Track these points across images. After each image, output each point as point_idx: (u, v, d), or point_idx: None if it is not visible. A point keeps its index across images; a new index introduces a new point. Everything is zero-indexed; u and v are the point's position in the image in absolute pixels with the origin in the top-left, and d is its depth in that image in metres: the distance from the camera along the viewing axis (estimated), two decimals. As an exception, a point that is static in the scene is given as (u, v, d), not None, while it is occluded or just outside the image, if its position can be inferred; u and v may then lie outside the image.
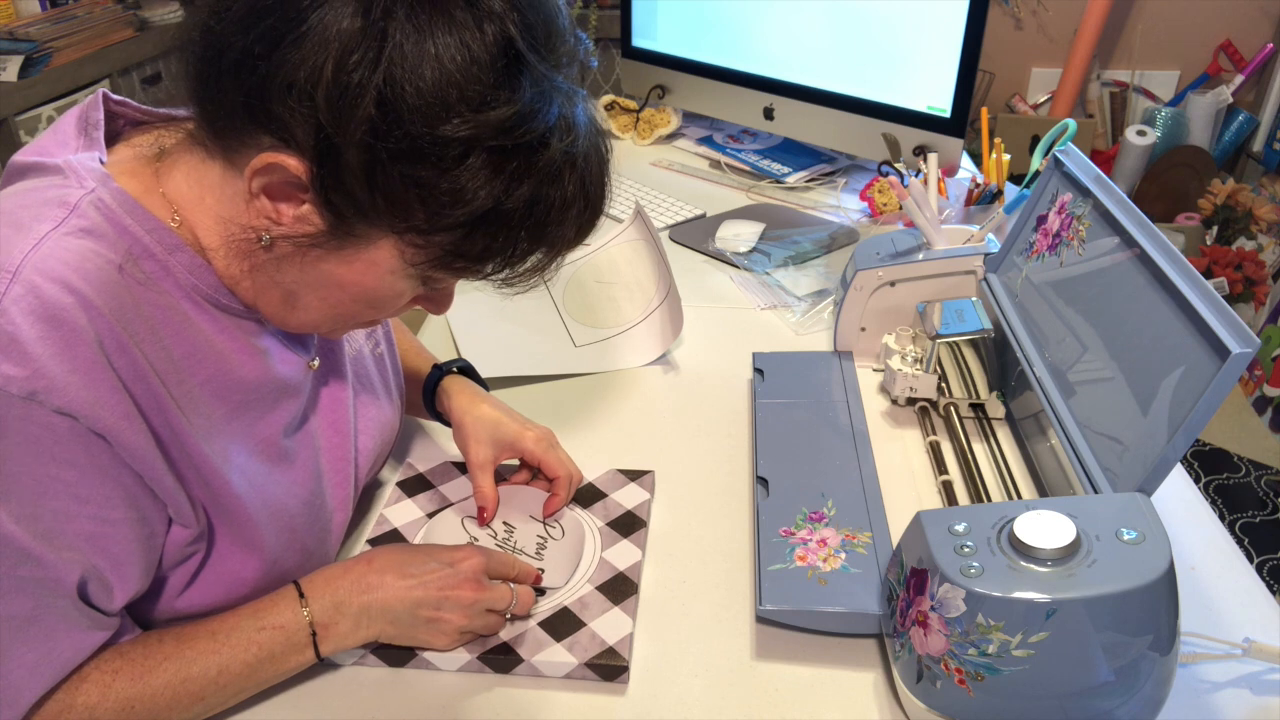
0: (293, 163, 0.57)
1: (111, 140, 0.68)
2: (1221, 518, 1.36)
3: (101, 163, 0.64)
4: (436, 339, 1.19)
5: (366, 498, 0.91)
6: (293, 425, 0.74)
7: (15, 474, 0.56)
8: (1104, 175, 0.88)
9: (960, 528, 0.66)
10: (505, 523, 0.88)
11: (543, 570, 0.81)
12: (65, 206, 0.60)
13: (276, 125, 0.57)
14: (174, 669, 0.65)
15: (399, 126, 0.55)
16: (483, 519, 0.87)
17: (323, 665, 0.73)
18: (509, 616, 0.76)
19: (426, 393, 0.94)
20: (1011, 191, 1.21)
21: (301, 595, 0.70)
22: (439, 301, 0.72)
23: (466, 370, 0.96)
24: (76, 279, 0.58)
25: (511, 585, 0.76)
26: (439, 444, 1.00)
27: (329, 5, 0.54)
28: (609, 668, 0.73)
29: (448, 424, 0.93)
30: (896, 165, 1.42)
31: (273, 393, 0.71)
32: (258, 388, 0.70)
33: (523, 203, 0.59)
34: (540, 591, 0.79)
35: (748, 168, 1.70)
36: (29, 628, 0.59)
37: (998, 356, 1.02)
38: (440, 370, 0.94)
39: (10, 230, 0.59)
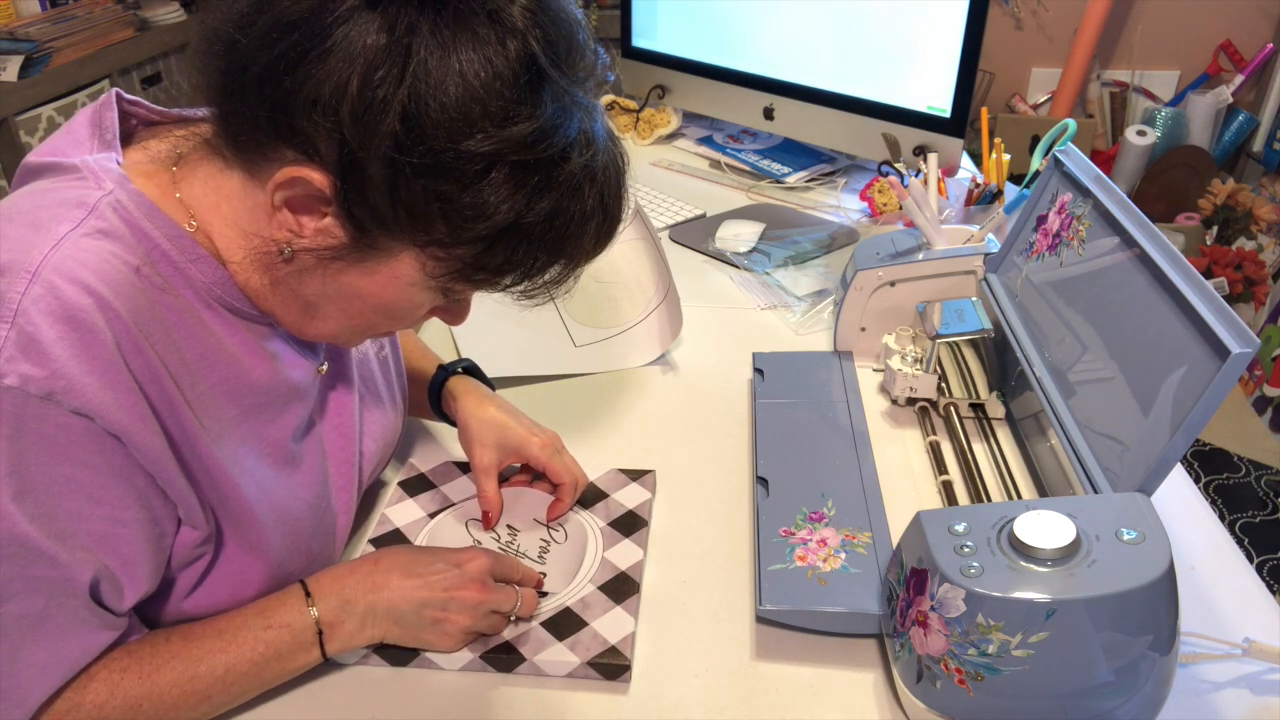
0: (316, 177, 0.58)
1: (124, 141, 0.68)
2: (1221, 518, 1.36)
3: (118, 164, 0.64)
4: (437, 339, 1.19)
5: (368, 498, 0.91)
6: (301, 429, 0.74)
7: (31, 473, 0.56)
8: (1104, 175, 0.88)
9: (960, 528, 0.66)
10: (509, 526, 0.88)
11: (544, 575, 0.81)
12: (84, 207, 0.60)
13: (300, 139, 0.57)
14: (181, 667, 0.65)
15: (423, 141, 0.55)
16: (487, 523, 0.87)
17: (326, 665, 0.73)
18: (512, 619, 0.76)
19: (432, 394, 0.94)
20: (1011, 191, 1.21)
21: (308, 594, 0.70)
22: (456, 312, 0.72)
23: (471, 370, 0.96)
24: (95, 280, 0.58)
25: (516, 588, 0.76)
26: (441, 444, 1.00)
27: (354, 21, 0.55)
28: (611, 667, 0.73)
29: (454, 424, 0.92)
30: (896, 165, 1.42)
31: (282, 396, 0.71)
32: (268, 391, 0.70)
33: (543, 217, 0.60)
34: (542, 594, 0.79)
35: (748, 168, 1.70)
36: (40, 627, 0.59)
37: (998, 356, 1.02)
38: (445, 371, 0.94)
39: (29, 230, 0.59)
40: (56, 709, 0.62)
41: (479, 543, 0.86)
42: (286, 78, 0.56)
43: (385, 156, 0.56)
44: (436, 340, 1.19)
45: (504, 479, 0.91)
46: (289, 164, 0.58)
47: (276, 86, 0.56)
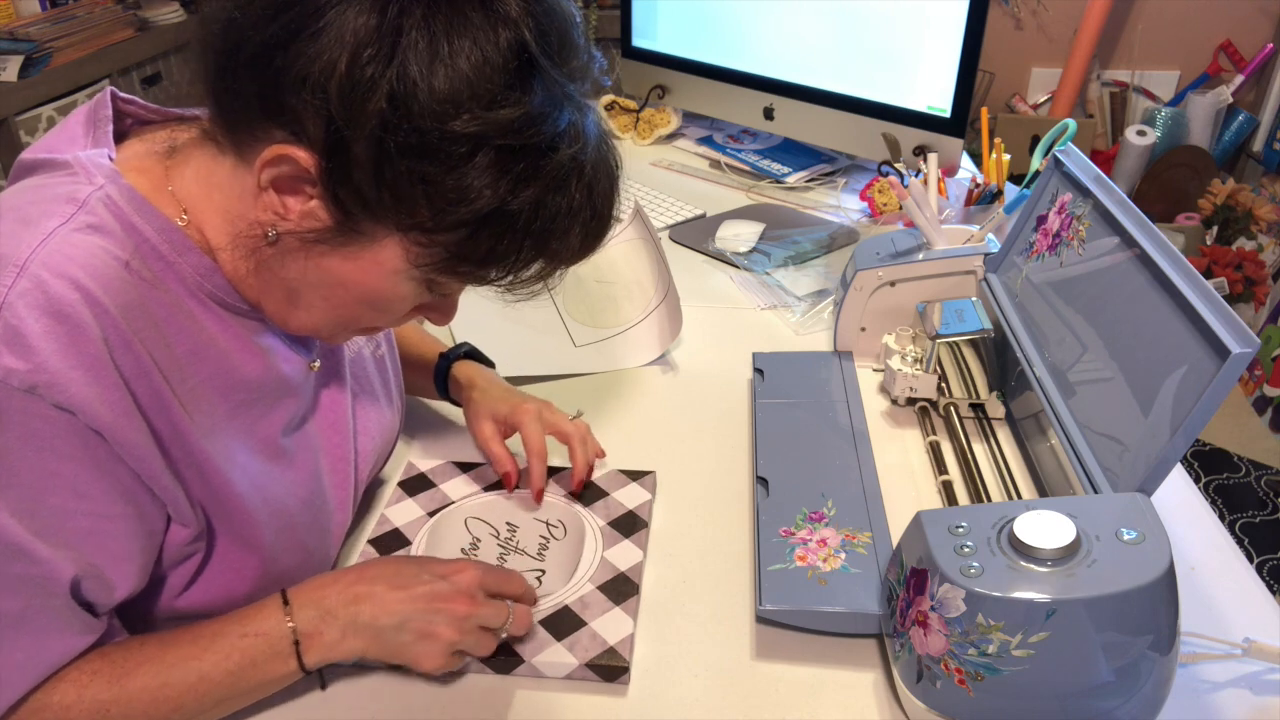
0: (302, 155, 0.58)
1: (119, 139, 0.68)
2: (1221, 518, 1.36)
3: (110, 159, 0.64)
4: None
5: (368, 497, 0.92)
6: (292, 425, 0.74)
7: (14, 467, 0.56)
8: (1104, 175, 0.88)
9: (960, 528, 0.66)
10: (508, 523, 0.88)
11: (543, 572, 0.81)
12: (74, 203, 0.60)
13: (289, 118, 0.58)
14: (153, 672, 0.64)
15: (409, 121, 0.56)
16: (509, 483, 0.91)
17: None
18: (503, 635, 0.73)
19: (438, 379, 0.98)
20: (1011, 191, 1.21)
21: (286, 603, 0.68)
22: (443, 310, 0.72)
23: (472, 354, 1.00)
24: (83, 275, 0.58)
25: (509, 603, 0.73)
26: (441, 444, 1.00)
27: (347, 2, 0.55)
28: (610, 668, 0.73)
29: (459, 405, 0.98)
30: (896, 165, 1.42)
31: (274, 392, 0.71)
32: (259, 386, 0.70)
33: (527, 206, 0.60)
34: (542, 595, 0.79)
35: (748, 168, 1.70)
36: (19, 626, 0.59)
37: (998, 356, 1.02)
38: (447, 358, 0.98)
39: (18, 225, 0.59)
40: (22, 710, 0.61)
41: (479, 539, 0.86)
42: (278, 55, 0.56)
43: (371, 135, 0.56)
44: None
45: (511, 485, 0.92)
46: (277, 144, 0.59)
47: (268, 64, 0.57)
